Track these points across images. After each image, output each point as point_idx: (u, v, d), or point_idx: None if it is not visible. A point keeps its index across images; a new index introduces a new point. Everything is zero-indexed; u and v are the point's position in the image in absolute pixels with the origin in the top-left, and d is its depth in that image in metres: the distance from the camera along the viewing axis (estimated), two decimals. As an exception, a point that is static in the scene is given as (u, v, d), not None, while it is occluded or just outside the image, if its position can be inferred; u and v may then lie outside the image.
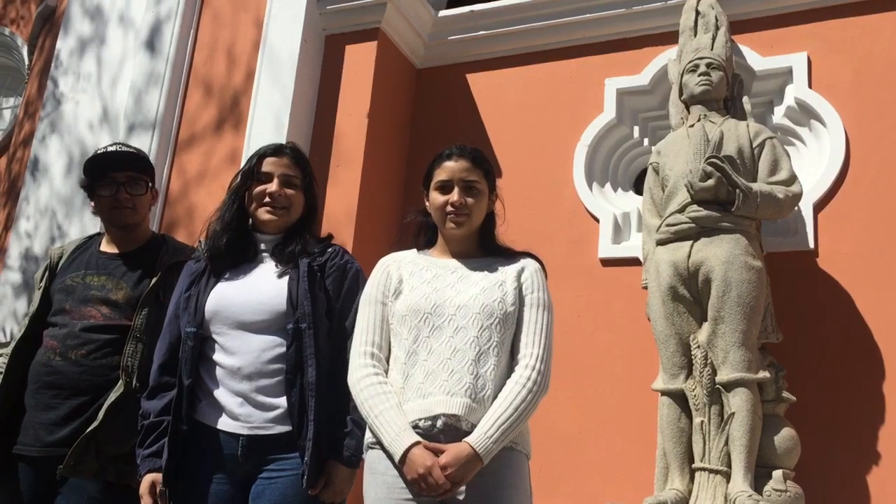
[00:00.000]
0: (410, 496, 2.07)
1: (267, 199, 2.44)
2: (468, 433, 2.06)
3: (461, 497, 2.06)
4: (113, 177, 2.73)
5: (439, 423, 2.09)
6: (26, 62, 7.24)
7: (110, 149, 2.83)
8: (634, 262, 4.07)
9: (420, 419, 2.10)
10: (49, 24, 6.56)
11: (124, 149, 2.84)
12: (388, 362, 2.25)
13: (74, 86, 5.46)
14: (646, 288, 3.68)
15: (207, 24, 5.08)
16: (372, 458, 2.17)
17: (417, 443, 2.05)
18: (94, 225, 4.71)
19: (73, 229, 4.97)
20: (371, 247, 4.10)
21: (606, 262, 4.25)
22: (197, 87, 4.97)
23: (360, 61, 4.67)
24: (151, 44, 5.11)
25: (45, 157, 5.39)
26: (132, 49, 5.28)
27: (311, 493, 2.20)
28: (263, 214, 2.45)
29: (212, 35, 5.04)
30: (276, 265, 2.41)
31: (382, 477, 2.12)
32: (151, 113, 4.91)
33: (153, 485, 2.29)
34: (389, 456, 2.09)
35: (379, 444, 2.13)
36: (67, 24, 5.70)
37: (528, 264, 2.33)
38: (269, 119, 4.52)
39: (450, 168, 2.33)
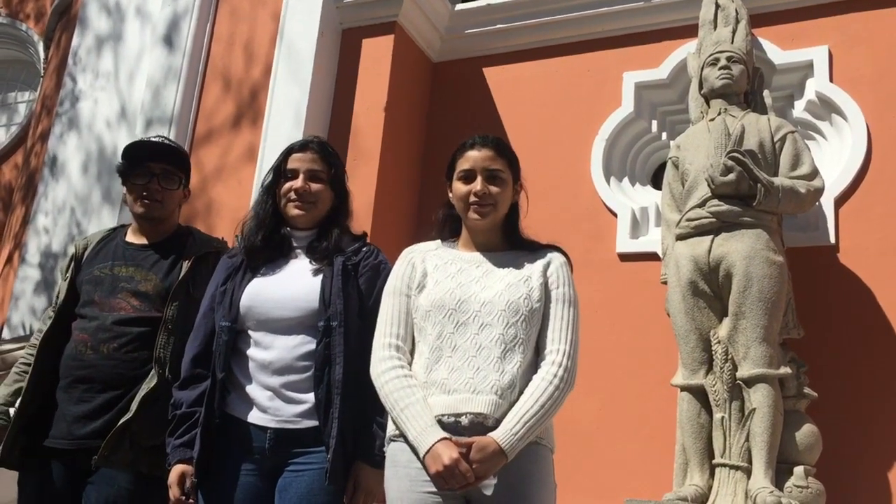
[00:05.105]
0: (433, 489, 2.05)
1: (293, 195, 2.46)
2: (493, 429, 2.05)
3: (487, 492, 2.05)
4: (149, 167, 2.74)
5: (465, 420, 2.08)
6: (42, 57, 7.27)
7: (153, 139, 2.84)
8: (652, 256, 4.06)
9: (444, 415, 2.09)
10: (65, 18, 6.58)
11: (166, 142, 2.86)
12: (411, 354, 2.24)
13: (92, 83, 5.48)
14: (665, 283, 3.66)
15: (225, 18, 5.09)
16: (394, 451, 2.16)
17: (444, 439, 2.03)
18: (111, 223, 4.72)
19: (91, 226, 5.00)
20: (389, 241, 4.09)
21: (624, 257, 4.24)
22: (214, 82, 4.98)
23: (376, 55, 4.67)
24: (169, 38, 5.12)
25: (62, 154, 5.42)
26: (149, 44, 5.29)
27: (345, 500, 2.23)
28: (291, 210, 2.47)
29: (229, 29, 5.04)
30: (311, 262, 2.43)
31: (405, 469, 2.11)
32: (169, 108, 4.93)
33: (182, 475, 2.31)
34: (413, 449, 2.08)
35: (402, 436, 2.11)
36: (84, 20, 5.72)
37: (555, 258, 2.30)
38: (287, 113, 4.53)
39: (472, 157, 2.29)
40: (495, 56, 4.92)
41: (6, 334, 5.24)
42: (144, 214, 2.76)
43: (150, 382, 2.53)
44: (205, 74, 5.01)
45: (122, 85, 5.37)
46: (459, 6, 5.01)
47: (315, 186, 2.48)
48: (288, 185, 2.47)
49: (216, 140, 4.83)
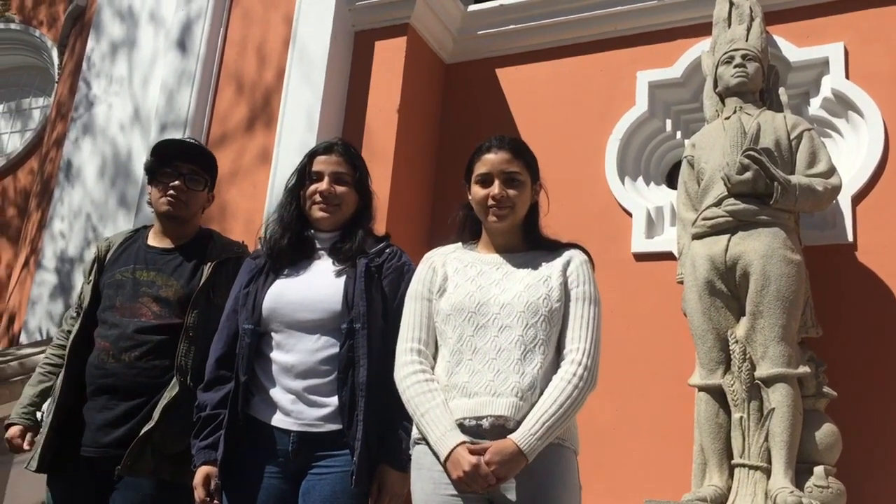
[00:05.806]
0: (456, 492, 2.06)
1: (318, 198, 2.46)
2: (515, 431, 2.05)
3: (510, 495, 2.05)
4: (177, 166, 2.75)
5: (486, 423, 2.08)
6: (56, 63, 7.31)
7: (185, 139, 2.88)
8: (668, 256, 4.04)
9: (465, 418, 2.10)
10: (79, 24, 6.61)
11: (196, 143, 2.90)
12: (434, 358, 2.24)
13: (106, 88, 5.51)
14: (681, 282, 3.64)
15: (237, 21, 5.10)
16: (418, 454, 2.17)
17: (463, 442, 2.04)
18: (127, 227, 4.73)
19: (106, 231, 5.02)
20: (403, 241, 4.05)
21: (639, 257, 4.22)
22: (228, 86, 4.99)
23: (389, 57, 4.67)
24: (182, 43, 5.13)
25: (77, 159, 5.44)
26: (163, 48, 5.31)
27: (369, 503, 2.23)
28: (317, 212, 2.48)
29: (242, 33, 5.06)
30: (334, 263, 2.43)
31: (429, 472, 2.12)
32: (183, 112, 4.94)
33: (207, 477, 2.32)
34: (435, 452, 2.09)
35: (425, 440, 2.13)
36: (98, 25, 5.75)
37: (575, 256, 2.30)
38: (301, 116, 4.53)
39: (489, 160, 2.30)
40: (508, 57, 4.91)
41: (24, 339, 5.27)
42: (168, 213, 2.76)
43: (172, 391, 2.54)
44: (218, 78, 5.03)
45: (136, 89, 5.39)
46: (472, 7, 5.00)
47: (340, 189, 2.48)
48: (313, 187, 2.48)
49: (230, 143, 4.84)
